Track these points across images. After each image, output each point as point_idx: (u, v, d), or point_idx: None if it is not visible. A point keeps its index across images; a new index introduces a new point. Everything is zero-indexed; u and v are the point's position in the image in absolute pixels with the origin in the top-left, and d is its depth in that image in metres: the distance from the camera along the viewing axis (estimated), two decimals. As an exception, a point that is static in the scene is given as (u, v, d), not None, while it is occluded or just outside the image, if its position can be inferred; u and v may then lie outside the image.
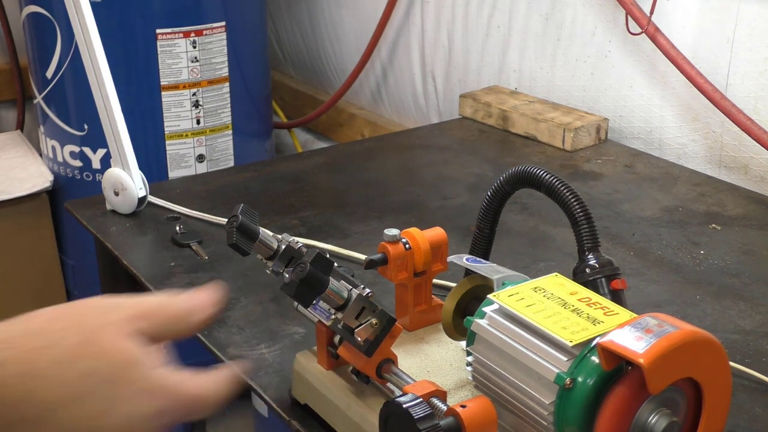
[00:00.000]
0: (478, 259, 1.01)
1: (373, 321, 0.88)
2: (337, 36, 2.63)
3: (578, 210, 0.94)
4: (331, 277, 0.88)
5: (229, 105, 2.23)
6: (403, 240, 1.01)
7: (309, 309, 0.94)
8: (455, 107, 2.16)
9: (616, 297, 0.93)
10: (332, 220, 1.51)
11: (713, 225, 1.48)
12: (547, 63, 1.98)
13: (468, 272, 1.01)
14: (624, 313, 0.83)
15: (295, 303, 0.95)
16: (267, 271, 0.92)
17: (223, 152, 2.26)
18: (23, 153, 2.48)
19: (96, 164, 2.21)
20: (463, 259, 1.00)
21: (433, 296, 1.05)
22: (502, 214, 1.04)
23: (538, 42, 1.98)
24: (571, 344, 0.79)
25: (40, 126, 2.34)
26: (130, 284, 1.52)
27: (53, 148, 2.28)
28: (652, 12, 1.68)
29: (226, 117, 2.24)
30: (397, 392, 0.89)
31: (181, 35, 2.11)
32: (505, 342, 0.84)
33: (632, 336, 0.74)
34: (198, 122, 2.19)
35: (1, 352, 0.61)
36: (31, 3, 2.17)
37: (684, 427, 0.80)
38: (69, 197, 2.06)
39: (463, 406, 0.78)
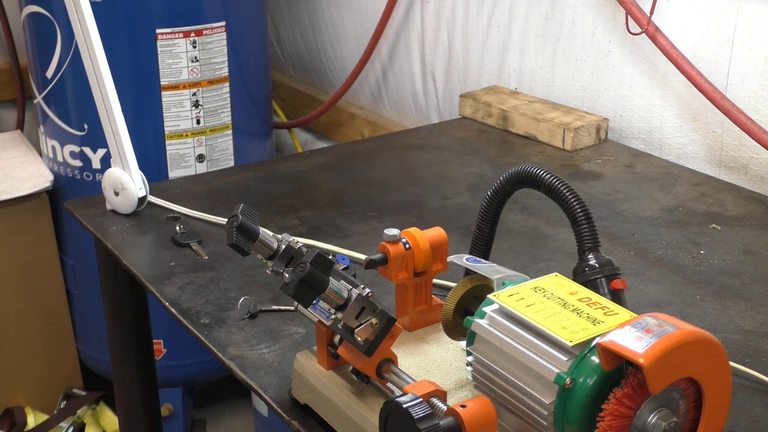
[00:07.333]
0: (478, 259, 1.01)
1: (373, 321, 0.88)
2: (337, 36, 2.63)
3: (578, 210, 0.94)
4: (331, 277, 0.88)
5: (229, 105, 2.23)
6: (403, 240, 1.01)
7: (309, 309, 0.94)
8: (455, 107, 2.16)
9: (616, 297, 0.93)
10: (332, 220, 1.51)
11: (713, 225, 1.48)
12: (547, 63, 1.98)
13: (468, 272, 1.01)
14: (624, 313, 0.83)
15: (295, 303, 0.95)
16: (267, 271, 0.92)
17: (223, 152, 2.26)
18: (23, 153, 2.48)
19: (96, 164, 2.21)
20: (463, 259, 1.00)
21: (433, 296, 1.05)
22: (502, 214, 1.04)
23: (538, 42, 1.98)
24: (571, 344, 0.79)
25: (40, 126, 2.34)
26: (130, 284, 1.52)
27: (53, 148, 2.28)
28: (652, 12, 1.68)
29: (226, 117, 2.24)
30: (397, 392, 0.89)
31: (181, 35, 2.11)
32: (505, 342, 0.84)
33: (632, 336, 0.74)
34: (198, 122, 2.19)
35: None
36: (31, 3, 2.17)
37: (684, 427, 0.80)
38: (69, 197, 2.06)
39: (463, 406, 0.78)
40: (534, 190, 0.98)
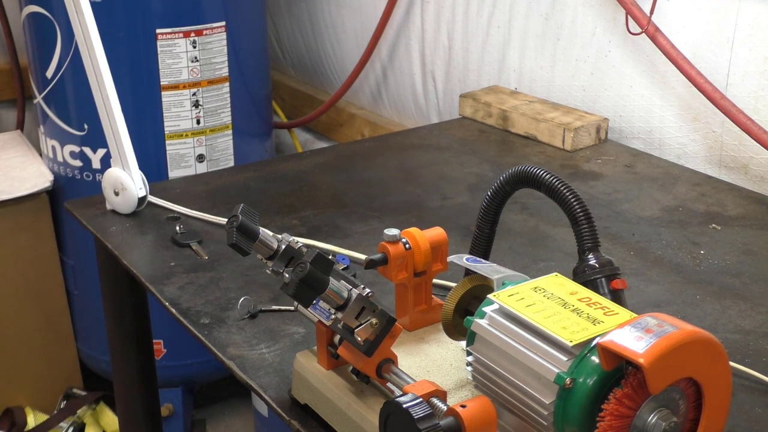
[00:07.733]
0: (478, 259, 1.01)
1: (373, 321, 0.88)
2: (337, 36, 2.63)
3: (578, 209, 0.94)
4: (331, 277, 0.88)
5: (229, 105, 2.23)
6: (403, 240, 1.01)
7: (309, 309, 0.94)
8: (455, 107, 2.16)
9: (616, 297, 0.93)
10: (332, 220, 1.51)
11: (713, 225, 1.48)
12: (547, 63, 1.98)
13: (468, 272, 1.01)
14: (624, 313, 0.83)
15: (295, 303, 0.95)
16: (267, 271, 0.92)
17: (223, 152, 2.26)
18: (23, 153, 2.48)
19: (96, 164, 2.21)
20: (463, 259, 1.00)
21: (433, 296, 1.05)
22: (502, 214, 1.04)
23: (538, 42, 1.98)
24: (571, 344, 0.79)
25: (40, 126, 2.34)
26: (130, 284, 1.52)
27: (53, 148, 2.28)
28: (652, 12, 1.68)
29: (226, 117, 2.24)
30: (397, 392, 0.89)
31: (181, 35, 2.11)
32: (505, 342, 0.84)
33: (632, 336, 0.74)
34: (198, 122, 2.19)
35: None
36: (31, 3, 2.17)
37: (684, 427, 0.80)
38: (69, 197, 2.06)
39: (463, 406, 0.78)
40: (534, 190, 0.98)
